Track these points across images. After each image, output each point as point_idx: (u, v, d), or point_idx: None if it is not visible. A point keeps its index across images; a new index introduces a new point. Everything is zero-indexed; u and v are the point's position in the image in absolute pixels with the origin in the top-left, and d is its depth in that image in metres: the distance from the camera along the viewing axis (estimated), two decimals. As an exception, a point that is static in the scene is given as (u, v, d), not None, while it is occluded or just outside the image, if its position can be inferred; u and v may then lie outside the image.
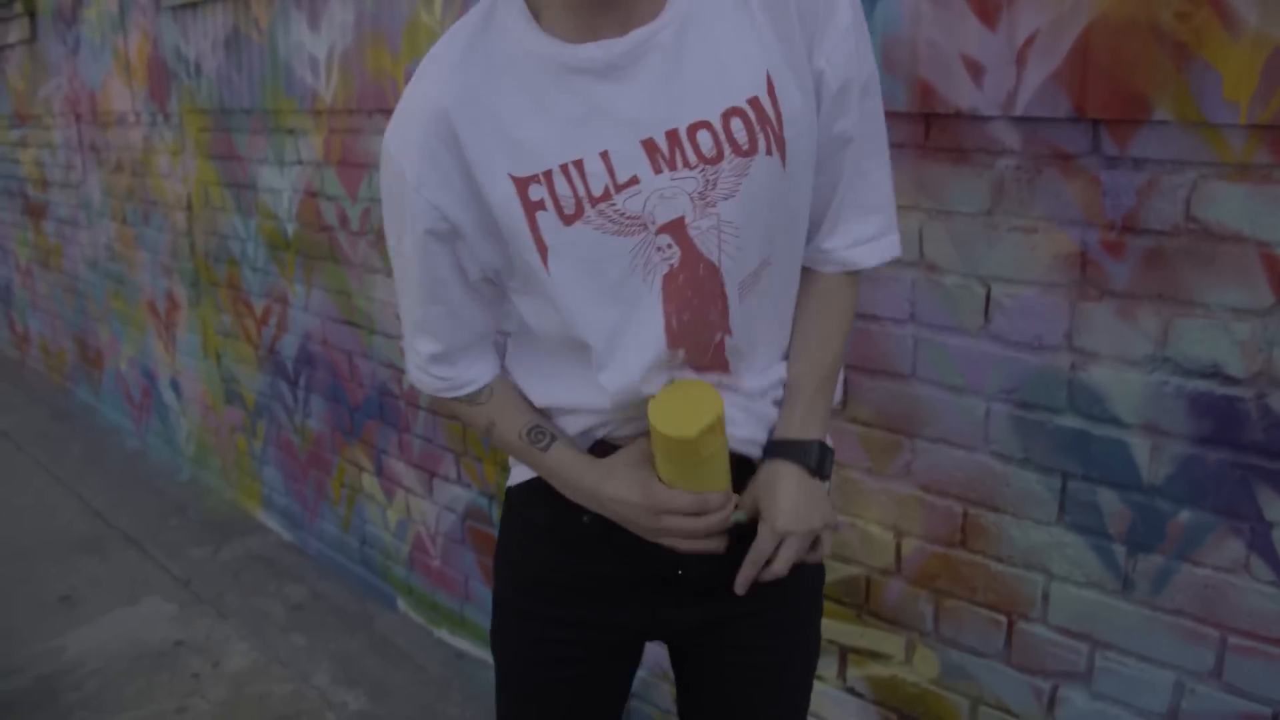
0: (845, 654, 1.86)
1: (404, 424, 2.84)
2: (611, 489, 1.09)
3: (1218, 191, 1.30)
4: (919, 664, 1.76)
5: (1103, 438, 1.46)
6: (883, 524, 1.75)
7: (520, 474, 1.22)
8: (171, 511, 3.83)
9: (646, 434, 1.07)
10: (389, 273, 2.30)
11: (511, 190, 1.01)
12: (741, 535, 1.11)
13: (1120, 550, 1.48)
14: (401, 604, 3.04)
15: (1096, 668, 1.54)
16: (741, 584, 1.11)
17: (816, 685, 1.36)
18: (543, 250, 1.02)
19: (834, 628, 1.84)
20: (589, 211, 1.00)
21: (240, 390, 3.65)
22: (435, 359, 1.16)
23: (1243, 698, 1.40)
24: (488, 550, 2.63)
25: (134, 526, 3.68)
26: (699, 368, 1.07)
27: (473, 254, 1.07)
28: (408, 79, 1.09)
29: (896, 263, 1.61)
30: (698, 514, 1.06)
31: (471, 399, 1.18)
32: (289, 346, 3.30)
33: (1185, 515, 1.41)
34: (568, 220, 1.00)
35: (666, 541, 1.09)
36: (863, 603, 1.81)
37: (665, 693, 2.25)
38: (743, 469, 1.11)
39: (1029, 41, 1.40)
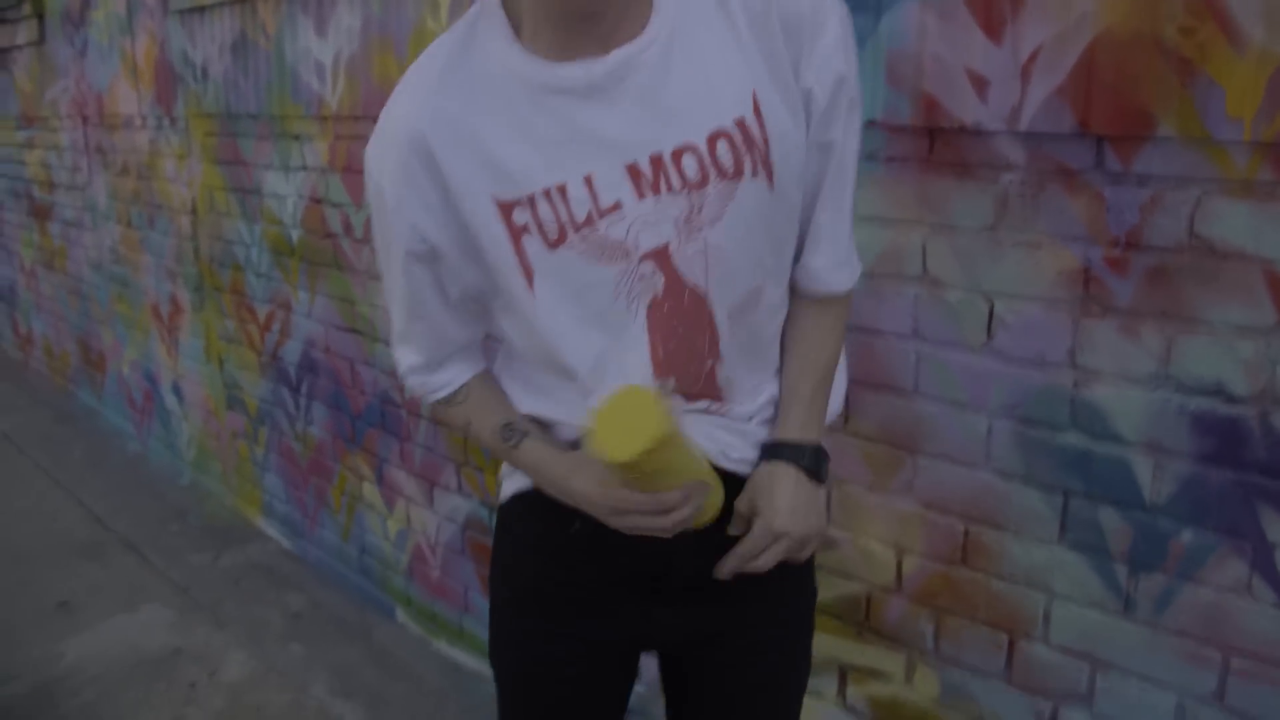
0: (845, 672, 1.85)
1: (405, 433, 2.83)
2: (577, 485, 1.07)
3: (1221, 209, 1.29)
4: (919, 683, 1.74)
5: (1105, 455, 1.45)
6: (883, 540, 1.74)
7: (508, 489, 1.22)
8: (172, 517, 3.82)
9: None
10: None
11: (495, 214, 1.00)
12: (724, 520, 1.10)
13: (1122, 570, 1.47)
14: (400, 614, 3.03)
15: (1098, 689, 1.52)
16: (725, 572, 1.10)
17: (815, 703, 1.35)
18: (528, 273, 1.01)
19: (834, 645, 1.83)
20: (572, 237, 0.99)
21: (242, 396, 3.65)
22: (414, 369, 1.17)
23: (1245, 721, 1.39)
24: (487, 561, 2.61)
25: (134, 532, 3.68)
26: (690, 396, 1.06)
27: (454, 275, 1.06)
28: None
29: (899, 277, 1.61)
30: (660, 512, 1.01)
31: (449, 400, 1.18)
32: (292, 353, 3.29)
33: (1187, 535, 1.40)
34: (551, 245, 0.99)
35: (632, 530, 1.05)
36: (863, 620, 1.80)
37: (663, 709, 2.23)
38: (734, 484, 1.10)
39: (1033, 56, 1.40)
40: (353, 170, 2.78)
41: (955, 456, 1.61)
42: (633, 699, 1.33)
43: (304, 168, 2.99)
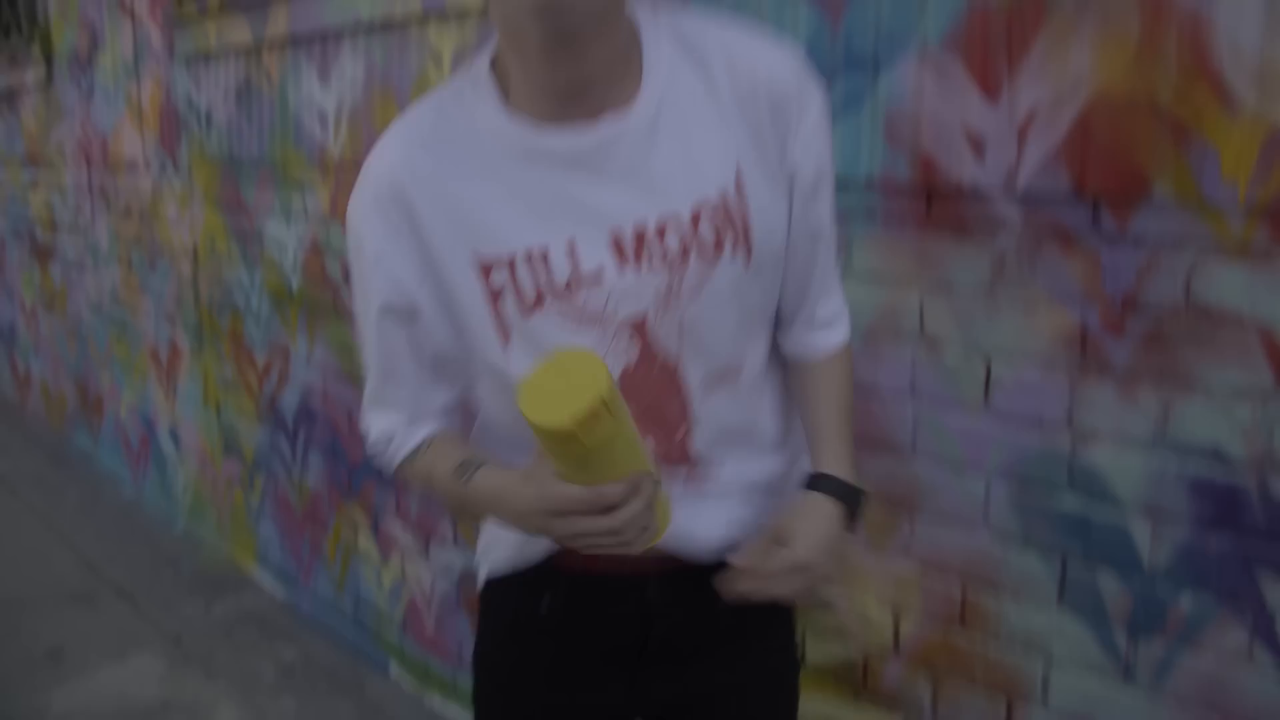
0: (841, 732, 1.82)
1: (402, 484, 2.81)
2: (520, 502, 0.96)
3: (1217, 271, 1.29)
4: (916, 745, 1.72)
5: (1103, 518, 1.44)
6: (881, 601, 1.72)
7: (482, 575, 1.22)
8: (165, 564, 3.78)
9: None
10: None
11: (473, 273, 0.99)
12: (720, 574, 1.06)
13: (1121, 634, 1.45)
14: (394, 668, 2.99)
15: (1097, 755, 1.50)
16: (731, 590, 1.04)
17: (808, 770, 1.32)
18: (504, 334, 1.00)
19: (831, 709, 1.80)
20: (550, 303, 0.98)
21: (239, 443, 3.63)
22: (382, 437, 1.12)
23: (1248, 792, 1.36)
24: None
25: (126, 579, 3.64)
26: (667, 461, 1.05)
27: (429, 335, 1.04)
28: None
29: (897, 336, 1.61)
30: (601, 510, 0.91)
31: (414, 453, 1.11)
32: (289, 401, 3.28)
33: (1186, 600, 1.38)
34: (527, 311, 0.99)
35: (587, 547, 0.96)
36: (860, 683, 1.77)
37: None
38: (701, 576, 1.07)
39: (1030, 117, 1.40)
40: (353, 219, 2.78)
41: (953, 517, 1.60)
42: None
43: (305, 215, 3.00)
